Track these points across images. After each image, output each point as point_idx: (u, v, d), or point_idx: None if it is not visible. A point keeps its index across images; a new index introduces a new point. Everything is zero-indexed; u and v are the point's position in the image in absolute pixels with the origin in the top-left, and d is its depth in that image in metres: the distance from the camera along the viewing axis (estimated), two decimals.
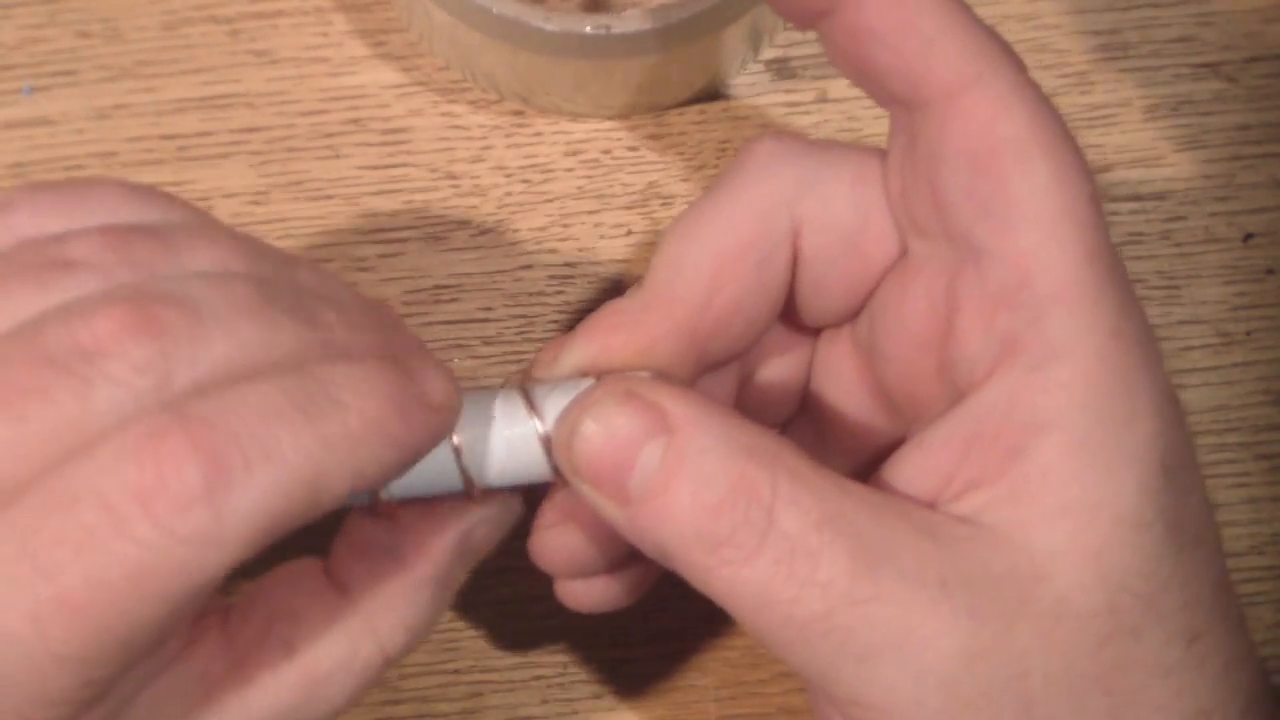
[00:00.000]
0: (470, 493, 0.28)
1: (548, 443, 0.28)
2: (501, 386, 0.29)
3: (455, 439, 0.28)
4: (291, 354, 0.25)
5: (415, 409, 0.25)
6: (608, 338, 0.29)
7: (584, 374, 0.29)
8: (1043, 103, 0.26)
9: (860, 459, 0.31)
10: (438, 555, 0.28)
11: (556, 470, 0.28)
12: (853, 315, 0.30)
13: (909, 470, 0.27)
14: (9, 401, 0.23)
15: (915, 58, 0.26)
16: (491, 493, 0.29)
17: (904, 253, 0.28)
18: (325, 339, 0.26)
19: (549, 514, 0.31)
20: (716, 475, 0.25)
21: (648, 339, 0.29)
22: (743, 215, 0.28)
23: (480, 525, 0.29)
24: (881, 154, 0.29)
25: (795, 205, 0.28)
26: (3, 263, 0.25)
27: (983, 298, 0.26)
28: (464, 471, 0.28)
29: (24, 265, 0.25)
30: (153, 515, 0.23)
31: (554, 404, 0.28)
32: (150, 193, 0.28)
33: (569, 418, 0.27)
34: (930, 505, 0.26)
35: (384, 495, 0.28)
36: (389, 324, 0.28)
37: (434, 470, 0.28)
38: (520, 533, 0.37)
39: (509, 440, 0.28)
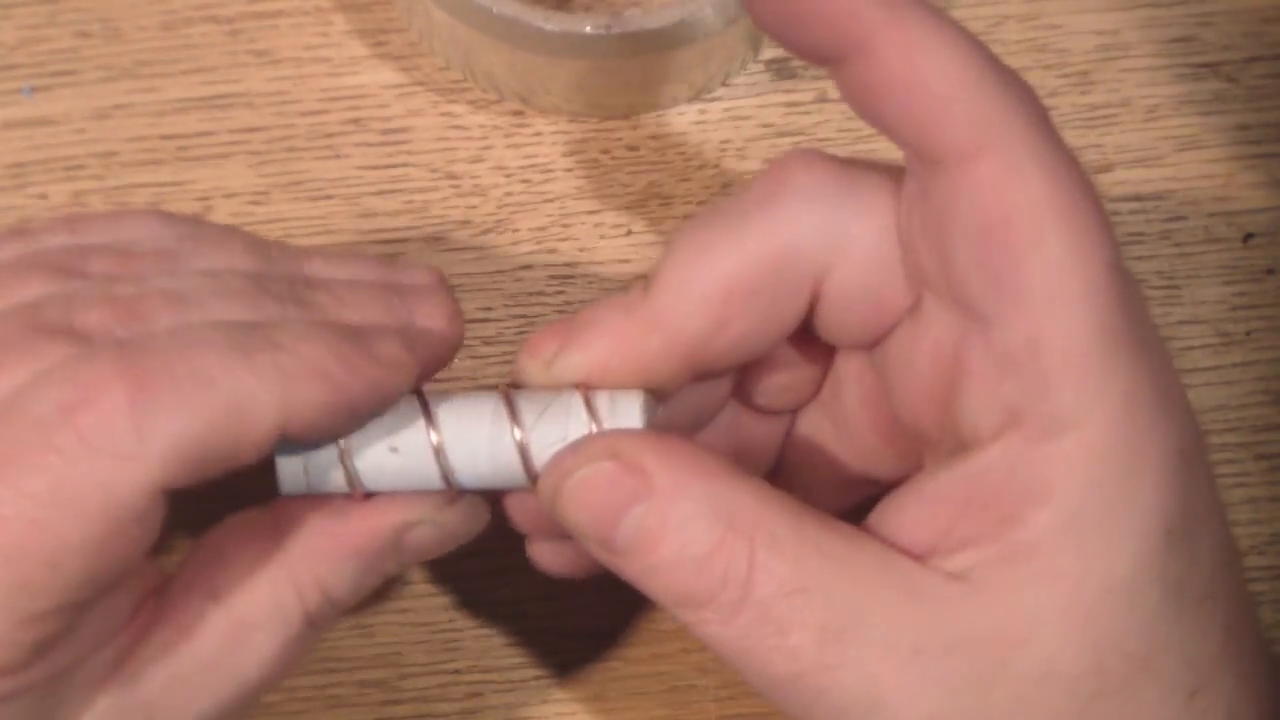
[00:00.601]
0: (450, 492, 0.29)
1: (526, 452, 0.28)
2: (492, 389, 0.29)
3: (435, 438, 0.28)
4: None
5: (357, 359, 0.27)
6: (605, 354, 0.28)
7: (575, 385, 0.29)
8: (1062, 164, 0.25)
9: (871, 470, 0.31)
10: (372, 533, 0.28)
11: (533, 480, 0.28)
12: (871, 345, 0.29)
13: (907, 518, 0.27)
14: None
15: (927, 118, 0.25)
16: (456, 501, 0.29)
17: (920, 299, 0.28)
18: (307, 318, 0.27)
19: None
20: (697, 542, 0.26)
21: (645, 360, 0.28)
22: (762, 252, 0.27)
23: (427, 526, 0.29)
24: None
25: (820, 251, 0.27)
26: (28, 264, 0.27)
27: (988, 366, 0.26)
28: (443, 470, 0.28)
29: (45, 265, 0.27)
30: (76, 427, 0.24)
31: (543, 423, 0.28)
32: (182, 217, 0.30)
33: (552, 475, 0.27)
34: (923, 557, 0.26)
35: (360, 487, 0.28)
36: (392, 290, 0.29)
37: (414, 467, 0.28)
38: (520, 533, 0.37)
39: (490, 446, 0.28)
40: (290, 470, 0.28)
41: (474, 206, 0.38)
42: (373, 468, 0.28)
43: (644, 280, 0.29)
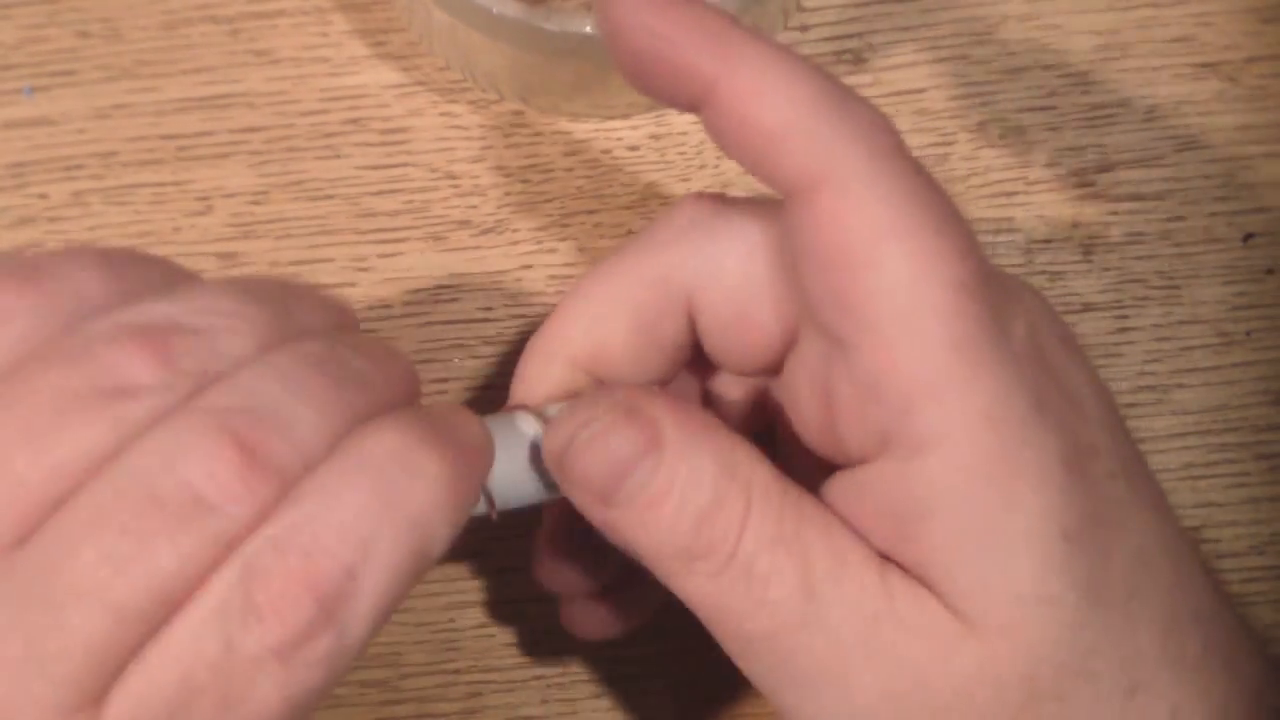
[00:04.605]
0: (491, 514, 0.29)
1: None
2: (515, 410, 0.30)
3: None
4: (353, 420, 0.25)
5: (474, 451, 0.27)
6: (531, 379, 0.31)
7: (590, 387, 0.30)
8: (903, 186, 0.25)
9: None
10: None
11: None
12: (773, 369, 0.30)
13: (841, 511, 0.27)
14: (132, 556, 0.23)
15: (767, 157, 0.26)
16: None
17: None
18: (371, 399, 0.26)
19: (545, 536, 0.32)
20: (701, 497, 0.27)
21: (555, 379, 0.30)
22: (640, 277, 0.29)
23: None
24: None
25: (689, 278, 0.29)
26: (40, 384, 0.24)
27: (852, 391, 0.26)
28: (487, 494, 0.28)
29: (77, 396, 0.24)
30: (281, 657, 0.23)
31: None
32: (122, 258, 0.27)
33: (564, 428, 0.28)
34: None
35: None
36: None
37: None
38: (520, 532, 0.37)
39: (519, 462, 0.29)
40: None
41: (474, 206, 0.38)
42: None
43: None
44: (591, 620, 0.33)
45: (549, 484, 0.29)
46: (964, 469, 0.25)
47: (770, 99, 0.26)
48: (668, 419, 0.27)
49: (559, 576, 0.32)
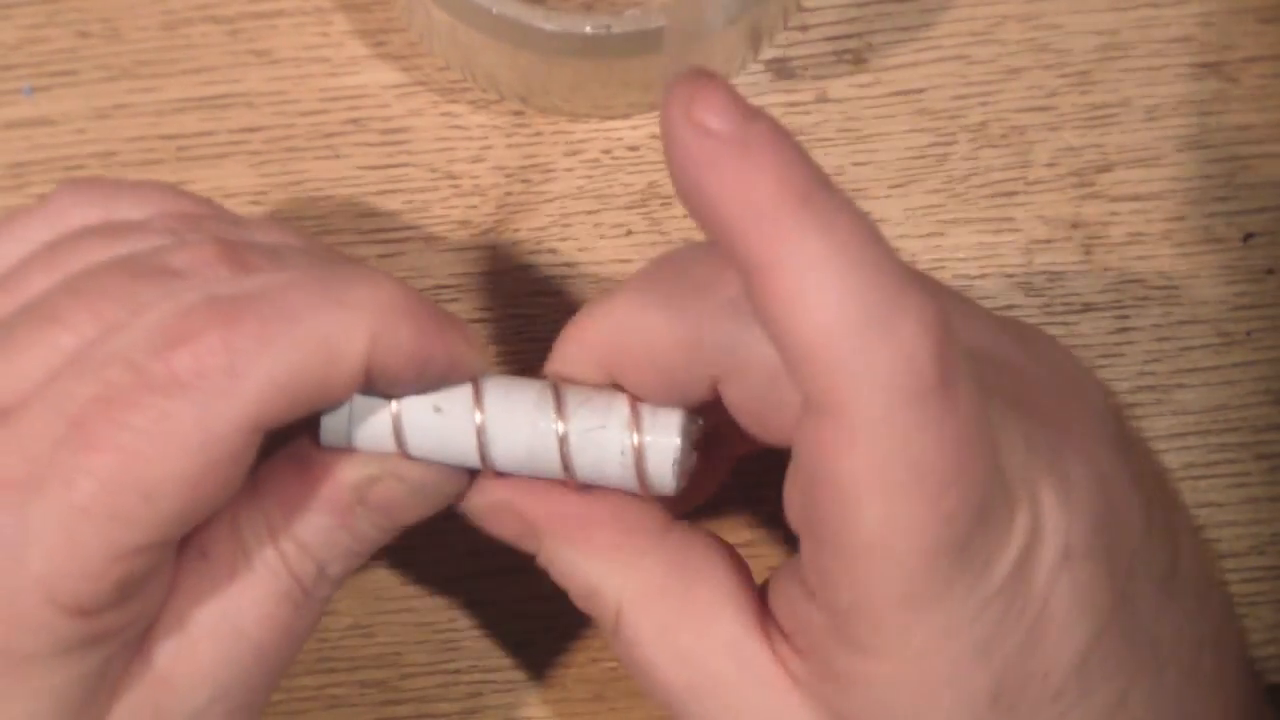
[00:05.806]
0: (485, 469, 0.29)
1: (565, 445, 0.29)
2: (536, 378, 0.30)
3: (478, 417, 0.29)
4: None
5: (442, 315, 0.28)
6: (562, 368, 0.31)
7: (624, 391, 0.30)
8: (911, 443, 0.24)
9: None
10: (332, 481, 0.29)
11: (568, 470, 0.29)
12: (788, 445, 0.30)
13: (779, 598, 0.28)
14: (98, 311, 0.26)
15: (790, 362, 0.24)
16: (422, 462, 0.29)
17: None
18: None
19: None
20: (574, 586, 0.29)
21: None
22: (678, 337, 0.29)
23: (390, 481, 0.29)
24: None
25: (720, 356, 0.28)
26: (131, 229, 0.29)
27: (812, 575, 0.26)
28: (481, 448, 0.29)
29: (90, 227, 0.29)
30: (171, 367, 0.25)
31: (585, 419, 0.29)
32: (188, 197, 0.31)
33: (476, 499, 0.30)
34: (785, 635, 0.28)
35: (404, 448, 0.29)
36: None
37: (453, 440, 0.29)
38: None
39: (530, 432, 0.29)
40: (334, 421, 0.28)
41: (474, 206, 0.38)
42: (416, 433, 0.29)
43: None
44: None
45: (539, 461, 0.29)
46: (885, 690, 0.26)
47: (808, 312, 0.24)
48: (545, 527, 0.29)
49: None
